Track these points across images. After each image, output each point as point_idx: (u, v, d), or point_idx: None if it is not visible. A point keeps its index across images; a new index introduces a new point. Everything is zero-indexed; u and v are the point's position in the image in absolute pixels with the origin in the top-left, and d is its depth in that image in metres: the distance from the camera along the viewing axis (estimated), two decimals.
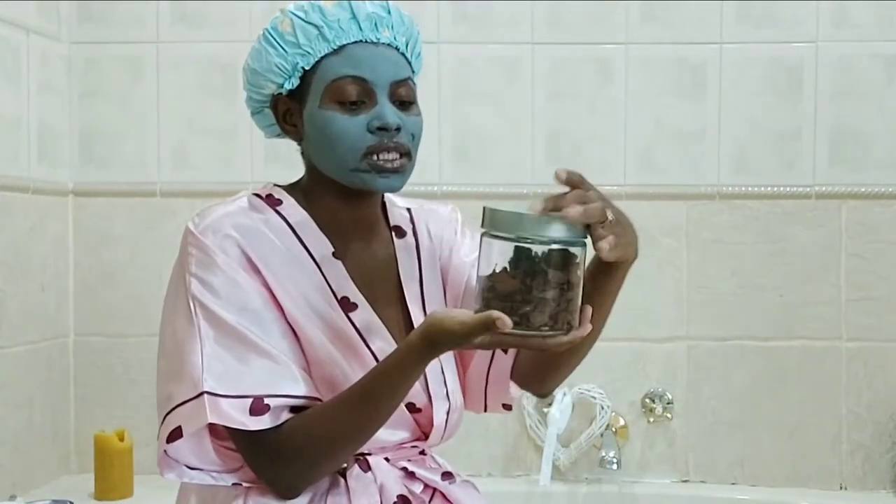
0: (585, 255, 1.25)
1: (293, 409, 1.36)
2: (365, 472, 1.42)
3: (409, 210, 1.58)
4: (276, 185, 1.50)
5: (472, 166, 2.47)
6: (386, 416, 1.36)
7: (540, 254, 1.22)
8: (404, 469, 1.46)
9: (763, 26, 2.42)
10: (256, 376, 1.34)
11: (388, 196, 1.56)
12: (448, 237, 1.58)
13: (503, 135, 2.46)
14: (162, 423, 1.37)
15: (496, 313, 1.20)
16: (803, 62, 2.42)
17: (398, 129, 1.40)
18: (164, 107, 2.47)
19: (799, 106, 2.43)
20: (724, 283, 2.44)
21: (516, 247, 1.22)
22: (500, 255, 1.23)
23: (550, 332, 1.23)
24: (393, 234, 1.53)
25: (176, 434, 1.34)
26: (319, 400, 1.37)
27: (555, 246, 1.22)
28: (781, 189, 2.43)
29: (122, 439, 2.27)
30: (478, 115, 2.45)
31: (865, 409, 2.42)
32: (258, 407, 1.32)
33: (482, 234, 1.26)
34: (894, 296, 2.42)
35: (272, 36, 1.43)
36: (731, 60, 2.43)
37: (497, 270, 1.24)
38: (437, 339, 1.28)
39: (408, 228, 1.55)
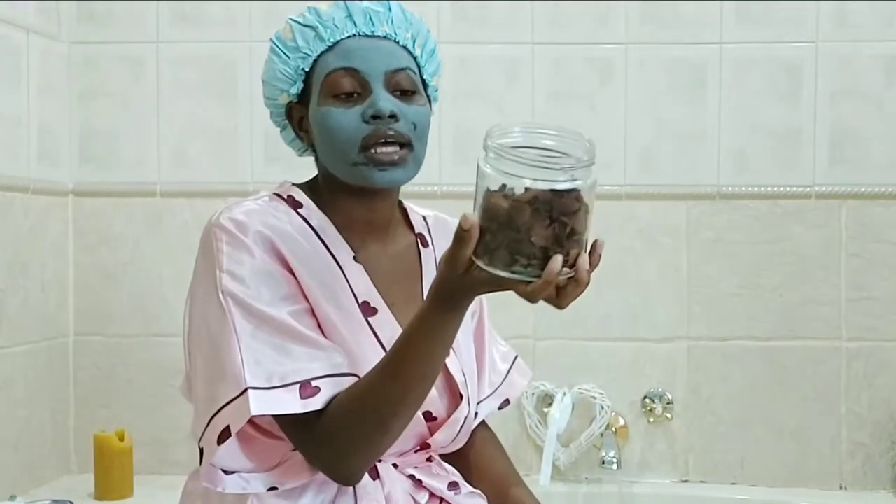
0: (593, 197, 1.17)
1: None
2: (374, 479, 1.40)
3: (424, 218, 1.57)
4: (293, 184, 1.49)
5: (472, 166, 2.44)
6: (426, 382, 1.30)
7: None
8: (411, 476, 1.45)
9: (763, 26, 2.42)
10: (300, 362, 1.31)
11: (407, 202, 1.56)
12: None
13: None
14: (207, 426, 1.33)
15: (461, 218, 1.19)
16: (803, 62, 2.42)
17: (393, 117, 1.38)
18: (164, 107, 2.47)
19: (799, 106, 2.42)
20: (724, 283, 2.44)
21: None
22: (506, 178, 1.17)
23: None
24: (419, 241, 1.53)
25: (225, 434, 1.30)
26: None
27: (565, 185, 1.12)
28: (781, 189, 2.43)
29: (122, 439, 2.27)
30: (478, 115, 2.45)
31: (865, 409, 2.42)
32: (308, 391, 1.30)
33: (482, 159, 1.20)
34: (894, 296, 2.42)
35: (276, 45, 1.45)
36: (731, 60, 2.43)
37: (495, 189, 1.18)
38: (438, 288, 1.23)
39: (429, 239, 1.54)
